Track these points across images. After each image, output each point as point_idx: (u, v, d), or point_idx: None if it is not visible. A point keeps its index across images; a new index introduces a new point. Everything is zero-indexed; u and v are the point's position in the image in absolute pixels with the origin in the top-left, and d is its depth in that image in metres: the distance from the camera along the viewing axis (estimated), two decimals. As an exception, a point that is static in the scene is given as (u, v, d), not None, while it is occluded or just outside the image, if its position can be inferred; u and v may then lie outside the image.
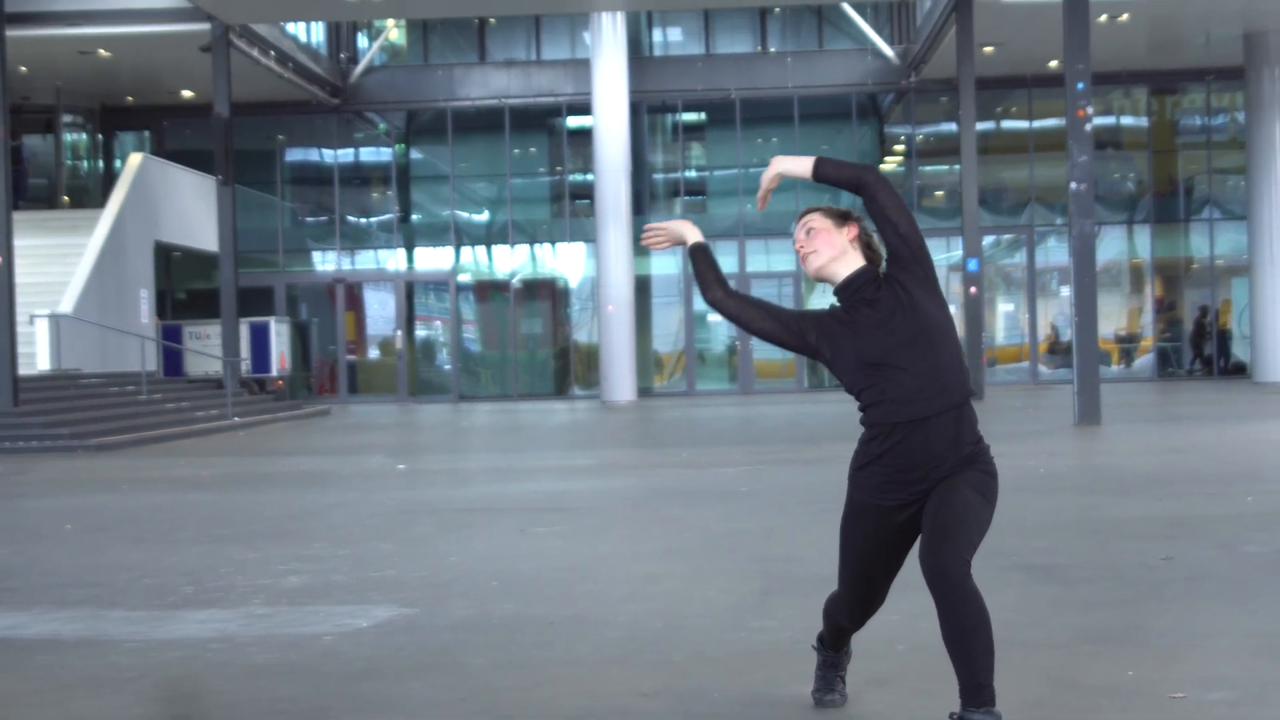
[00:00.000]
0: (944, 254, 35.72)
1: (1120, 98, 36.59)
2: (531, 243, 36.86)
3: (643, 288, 35.12)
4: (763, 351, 35.69)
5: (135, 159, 30.23)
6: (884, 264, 5.01)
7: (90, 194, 35.94)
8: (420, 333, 37.40)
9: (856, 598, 5.16)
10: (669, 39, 38.14)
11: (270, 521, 11.71)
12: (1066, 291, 31.43)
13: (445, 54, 37.77)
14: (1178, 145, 36.97)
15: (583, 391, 35.82)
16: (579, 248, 36.38)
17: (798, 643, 6.31)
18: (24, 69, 30.80)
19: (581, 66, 34.87)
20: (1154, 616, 6.89)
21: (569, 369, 36.52)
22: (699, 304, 36.29)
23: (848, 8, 35.60)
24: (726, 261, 36.10)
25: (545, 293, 37.10)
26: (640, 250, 34.49)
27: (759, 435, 21.08)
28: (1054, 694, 5.45)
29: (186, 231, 31.88)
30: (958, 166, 29.89)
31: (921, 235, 4.97)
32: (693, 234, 5.20)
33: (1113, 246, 36.13)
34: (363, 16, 34.16)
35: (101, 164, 37.06)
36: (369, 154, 38.42)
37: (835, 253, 4.98)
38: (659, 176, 37.62)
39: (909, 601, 6.44)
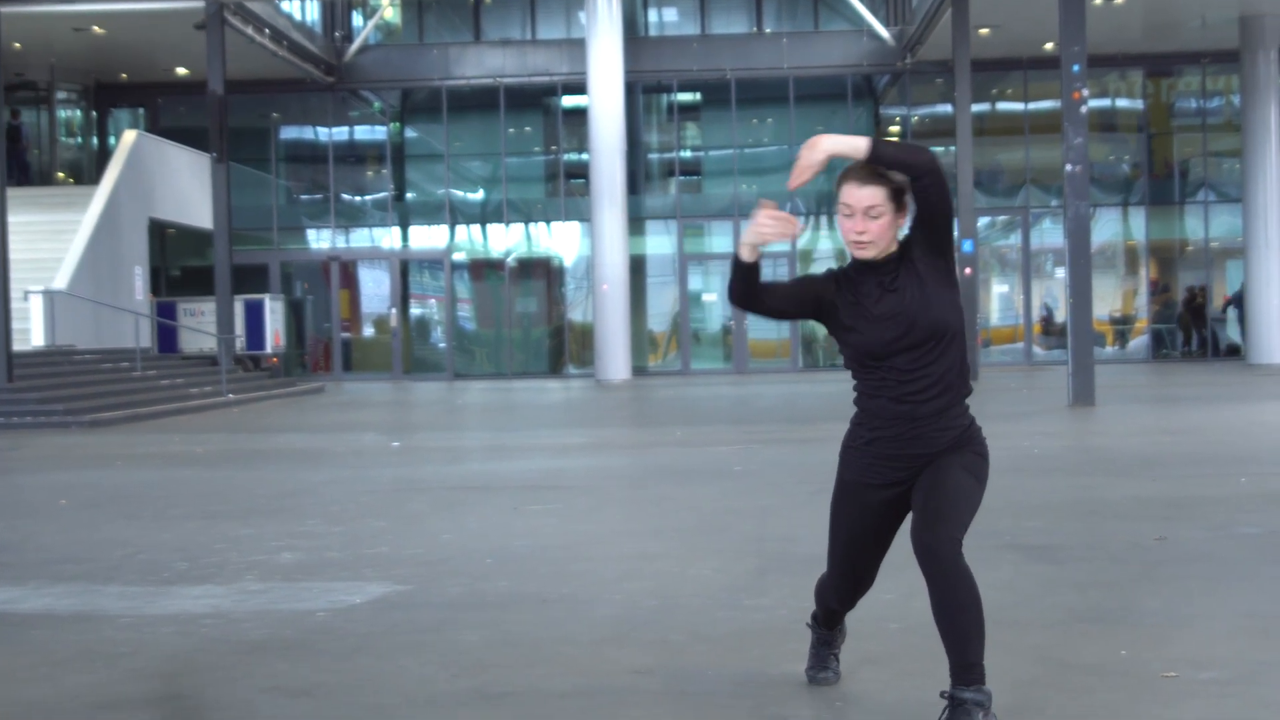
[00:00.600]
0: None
1: (1116, 80, 36.57)
2: (526, 222, 36.84)
3: (637, 267, 35.11)
4: (757, 331, 35.71)
5: (129, 136, 30.19)
6: (904, 235, 4.76)
7: (85, 171, 35.90)
8: (415, 311, 37.38)
9: (845, 579, 5.17)
10: (664, 19, 38.09)
11: (264, 498, 11.72)
12: (1061, 273, 31.46)
13: (440, 33, 37.69)
14: (1173, 128, 36.97)
15: (577, 370, 35.82)
16: (574, 227, 36.36)
17: (792, 622, 6.32)
18: (18, 45, 30.74)
19: (577, 46, 34.82)
20: (1146, 597, 6.90)
21: (563, 348, 36.52)
22: (694, 283, 36.31)
23: (844, -12, 35.58)
24: (720, 242, 36.13)
25: (540, 272, 37.09)
26: (635, 229, 34.49)
27: (754, 414, 21.08)
28: (1046, 673, 5.46)
29: (181, 209, 31.86)
30: (953, 148, 29.85)
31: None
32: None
33: (1108, 229, 36.15)
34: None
35: (96, 141, 36.99)
36: (364, 132, 38.39)
37: (889, 242, 4.71)
38: (654, 156, 37.59)
39: (902, 581, 6.45)
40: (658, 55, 36.25)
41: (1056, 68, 21.49)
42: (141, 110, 37.44)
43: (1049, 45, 32.43)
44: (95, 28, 30.46)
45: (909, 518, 4.86)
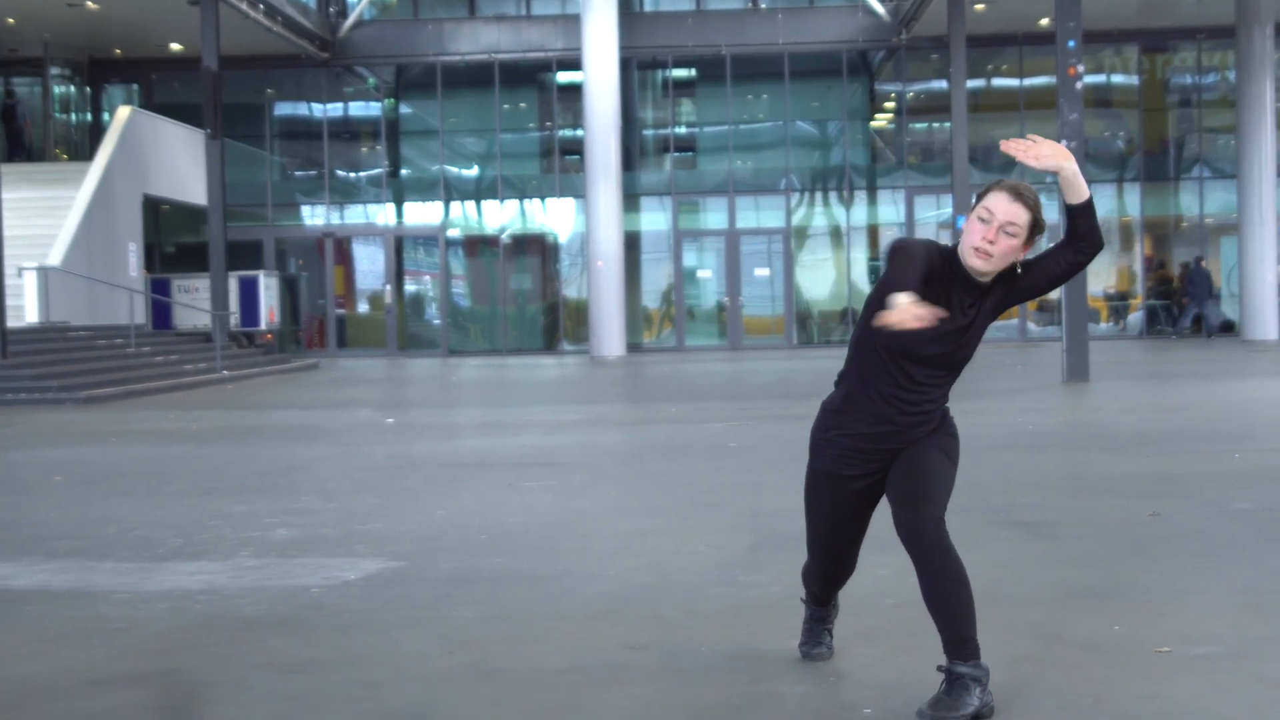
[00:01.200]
0: (934, 211, 35.73)
1: (1111, 56, 36.54)
2: (521, 198, 36.79)
3: (632, 244, 35.08)
4: (752, 308, 35.72)
5: (124, 112, 30.12)
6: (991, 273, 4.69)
7: (79, 147, 35.83)
8: (409, 287, 37.36)
9: (825, 565, 5.21)
10: (659, -6, 38.02)
11: (258, 475, 11.72)
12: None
13: (435, 8, 37.59)
14: (1168, 103, 36.94)
15: (572, 347, 35.80)
16: (568, 203, 36.32)
17: (786, 598, 6.33)
18: (11, 20, 30.65)
19: (572, 22, 34.75)
20: (1140, 572, 6.91)
21: (558, 324, 36.50)
22: (689, 259, 36.29)
23: (839, -37, 35.50)
24: (715, 218, 36.12)
25: (535, 248, 37.04)
26: (630, 206, 34.47)
27: (748, 391, 21.09)
28: (1041, 648, 5.47)
29: (175, 185, 31.80)
30: (948, 124, 29.86)
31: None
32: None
33: (1102, 205, 36.07)
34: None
35: (90, 117, 36.91)
36: (358, 108, 38.32)
37: (1001, 267, 4.69)
38: (649, 133, 37.54)
39: (897, 556, 6.42)
40: (652, 31, 36.18)
41: (1052, 43, 21.50)
42: (136, 86, 37.35)
43: (1044, 21, 32.40)
44: (89, 3, 30.36)
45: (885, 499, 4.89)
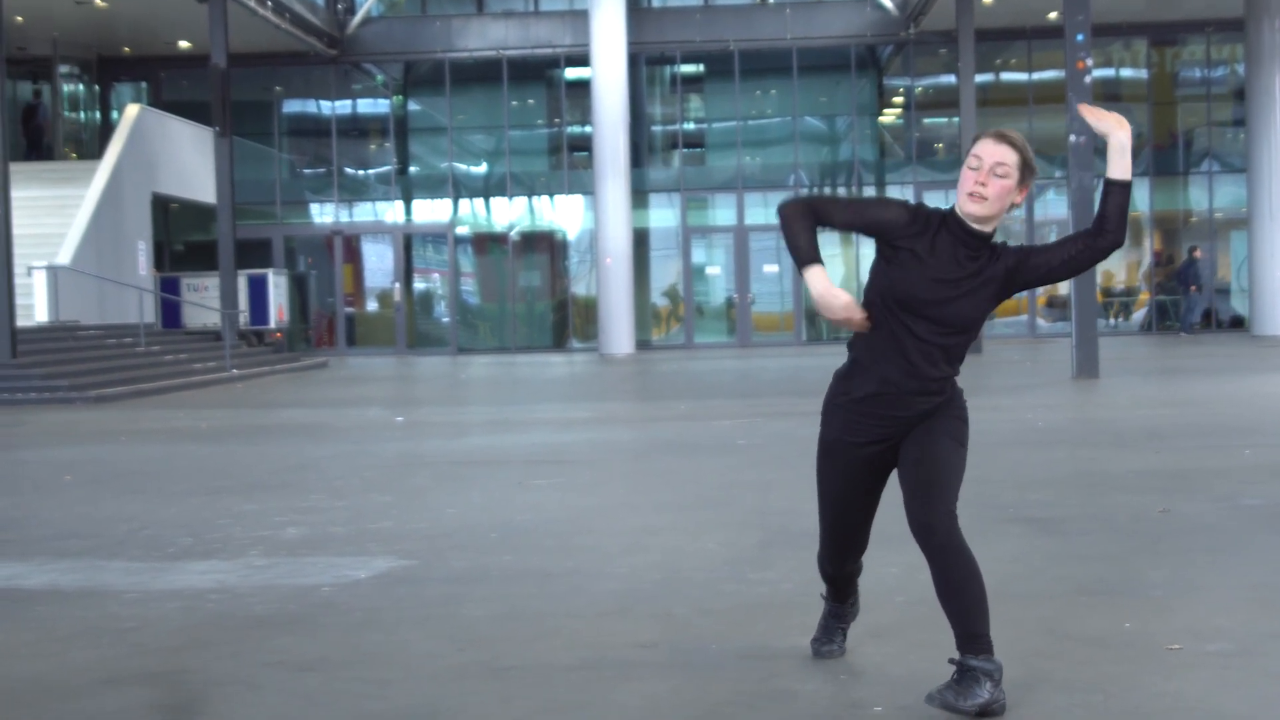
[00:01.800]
0: (944, 206, 35.60)
1: (1120, 50, 36.49)
2: (530, 195, 36.79)
3: (641, 240, 35.08)
4: (761, 305, 35.71)
5: (132, 110, 30.15)
6: (1014, 246, 4.83)
7: (87, 145, 35.88)
8: (418, 285, 37.37)
9: (834, 539, 5.19)
10: (667, -10, 38.01)
11: (268, 473, 11.73)
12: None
13: (443, 5, 37.60)
14: (1177, 97, 36.89)
15: (581, 344, 35.81)
16: (577, 200, 36.30)
17: (796, 595, 6.33)
18: (20, 19, 30.68)
19: (580, 18, 34.73)
20: (1151, 568, 6.90)
21: (567, 321, 36.51)
22: (697, 256, 36.28)
23: (847, -41, 35.47)
24: (724, 215, 36.11)
25: (544, 245, 37.05)
26: (639, 202, 34.47)
27: (757, 388, 21.08)
28: (1052, 645, 5.47)
29: (184, 183, 31.83)
30: (957, 119, 29.80)
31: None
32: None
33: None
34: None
35: (99, 115, 36.95)
36: (366, 105, 38.32)
37: (997, 211, 4.76)
38: (657, 129, 37.54)
39: (906, 553, 6.44)
40: (660, 27, 36.17)
41: (1060, 37, 21.42)
42: (144, 84, 37.39)
43: (1053, 15, 32.33)
44: (98, 1, 30.39)
45: (895, 479, 4.89)
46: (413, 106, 38.07)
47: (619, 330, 32.14)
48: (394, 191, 37.01)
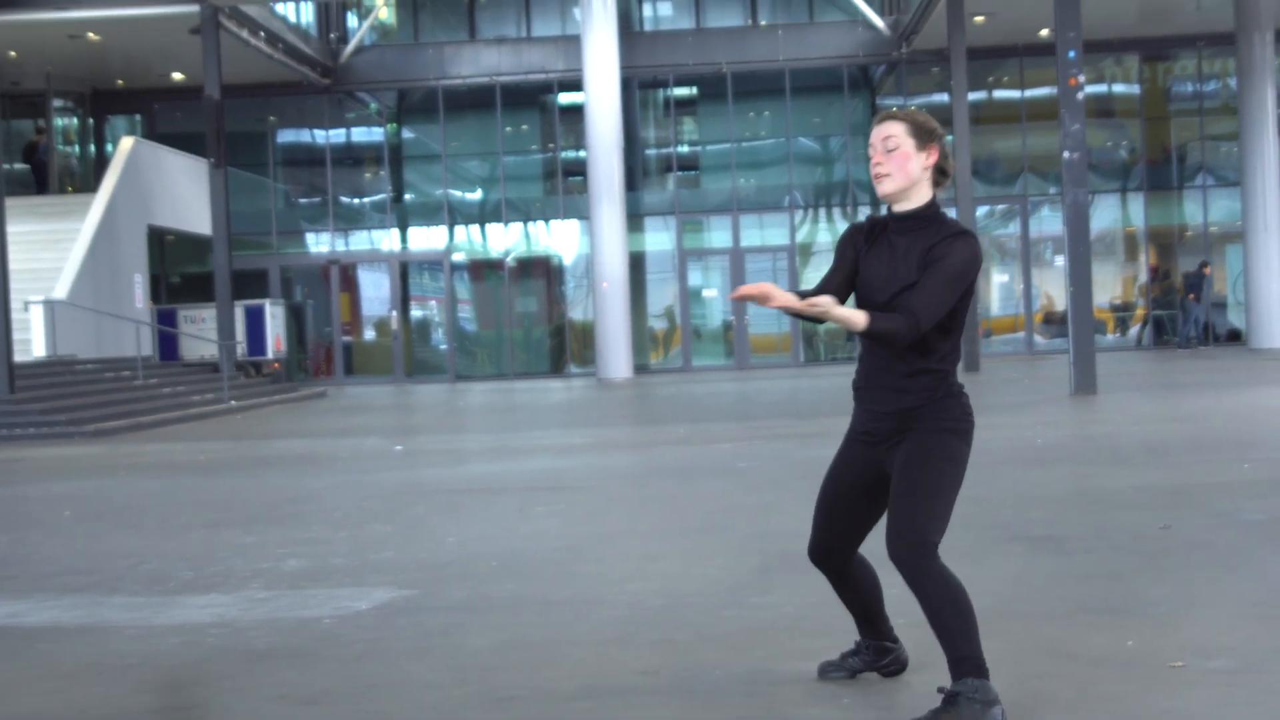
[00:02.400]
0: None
1: (1112, 65, 36.57)
2: (525, 220, 36.83)
3: (637, 264, 35.10)
4: (758, 326, 35.71)
5: (127, 143, 30.19)
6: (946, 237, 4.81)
7: (82, 178, 35.91)
8: (415, 313, 37.38)
9: (816, 519, 5.22)
10: (659, 13, 38.09)
11: (268, 505, 11.72)
12: (1061, 261, 31.44)
13: (435, 32, 37.69)
14: (1170, 112, 36.95)
15: (579, 369, 35.82)
16: (573, 225, 36.35)
17: (798, 619, 6.33)
18: (13, 54, 30.74)
19: (572, 43, 34.83)
20: (1152, 586, 6.89)
21: (564, 347, 36.52)
22: (693, 279, 36.31)
23: (838, -20, 35.58)
24: (719, 237, 36.12)
25: (540, 271, 37.08)
26: (634, 226, 34.51)
27: (756, 411, 21.07)
28: (1053, 665, 5.46)
29: (179, 215, 31.87)
30: (950, 137, 29.81)
31: (945, 300, 4.73)
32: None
33: (1106, 215, 36.14)
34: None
35: (93, 148, 37.00)
36: (361, 134, 38.39)
37: (907, 182, 4.86)
38: (651, 152, 37.61)
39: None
40: (653, 50, 36.26)
41: (1052, 54, 21.49)
42: (138, 117, 37.45)
43: (1044, 32, 32.41)
44: (90, 35, 30.46)
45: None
46: (407, 134, 38.14)
47: (616, 354, 32.14)
48: (389, 219, 37.05)
